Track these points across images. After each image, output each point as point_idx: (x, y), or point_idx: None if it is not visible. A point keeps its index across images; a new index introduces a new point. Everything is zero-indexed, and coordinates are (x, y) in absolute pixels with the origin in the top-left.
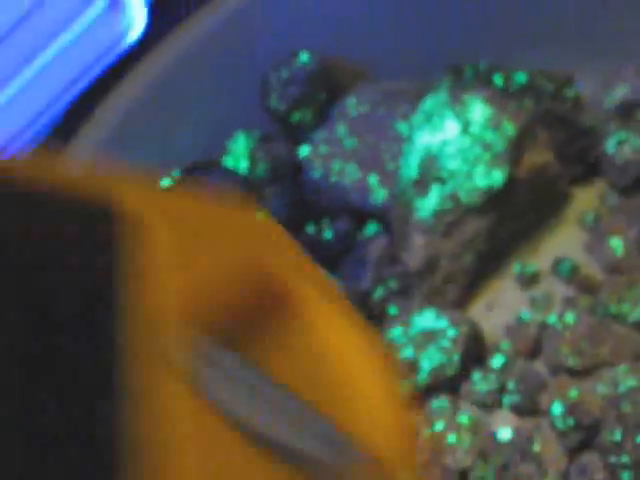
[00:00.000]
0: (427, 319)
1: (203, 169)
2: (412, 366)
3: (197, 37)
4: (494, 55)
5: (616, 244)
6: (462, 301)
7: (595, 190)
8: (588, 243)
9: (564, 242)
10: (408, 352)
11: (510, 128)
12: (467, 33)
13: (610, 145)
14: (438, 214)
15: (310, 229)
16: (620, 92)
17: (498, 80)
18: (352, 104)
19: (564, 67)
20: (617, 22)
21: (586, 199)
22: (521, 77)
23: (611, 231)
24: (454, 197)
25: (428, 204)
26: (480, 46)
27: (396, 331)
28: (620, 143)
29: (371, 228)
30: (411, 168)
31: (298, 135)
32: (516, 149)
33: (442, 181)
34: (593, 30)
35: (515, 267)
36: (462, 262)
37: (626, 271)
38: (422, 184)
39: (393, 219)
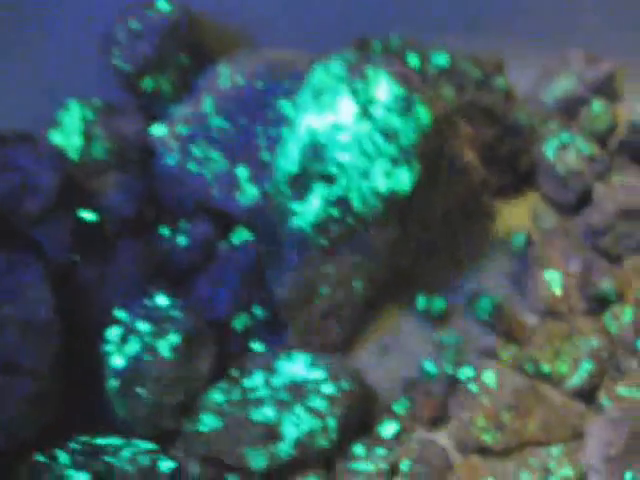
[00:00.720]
0: (297, 366)
1: (14, 144)
2: (272, 432)
3: None
4: (408, 34)
5: (553, 279)
6: (347, 343)
7: (528, 206)
8: (516, 275)
9: (486, 271)
10: (268, 412)
11: (425, 114)
12: (377, 2)
13: (549, 149)
14: (320, 224)
15: (164, 233)
16: (564, 84)
17: (413, 60)
18: (225, 74)
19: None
20: (559, 4)
21: (516, 217)
22: (441, 59)
23: (547, 261)
24: (344, 202)
25: (308, 209)
26: (393, 20)
27: (256, 378)
28: (562, 147)
29: (238, 236)
30: (290, 159)
31: (152, 108)
32: (431, 143)
33: (329, 179)
34: (530, 12)
35: (420, 301)
36: (350, 291)
37: (565, 316)
38: (302, 182)
39: (262, 227)
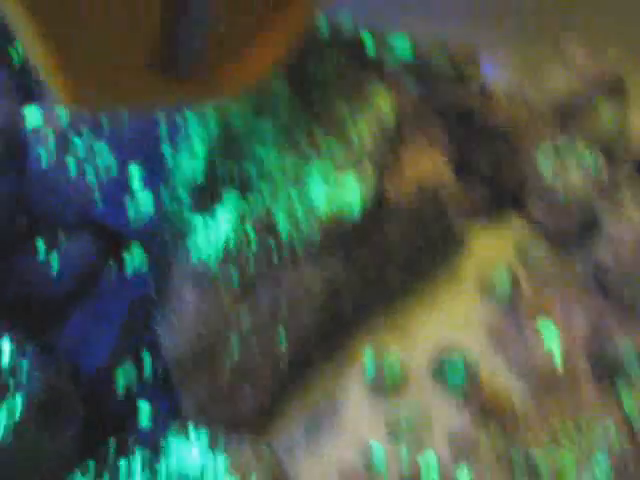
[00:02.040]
0: (192, 448)
1: None
2: None
3: None
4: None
5: (548, 334)
6: (265, 417)
7: (513, 233)
8: (498, 328)
9: (456, 322)
10: None
11: (385, 104)
12: None
13: (542, 160)
14: (230, 249)
15: (40, 253)
16: (558, 79)
17: (367, 40)
18: None
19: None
20: None
21: (497, 248)
22: (401, 41)
23: (540, 311)
24: (267, 222)
25: (214, 227)
26: None
27: (135, 461)
28: (559, 159)
29: (132, 259)
30: (192, 153)
31: (25, 84)
32: (391, 144)
33: (245, 184)
34: None
35: (366, 356)
36: (271, 345)
37: (566, 386)
38: (208, 186)
39: (153, 250)
